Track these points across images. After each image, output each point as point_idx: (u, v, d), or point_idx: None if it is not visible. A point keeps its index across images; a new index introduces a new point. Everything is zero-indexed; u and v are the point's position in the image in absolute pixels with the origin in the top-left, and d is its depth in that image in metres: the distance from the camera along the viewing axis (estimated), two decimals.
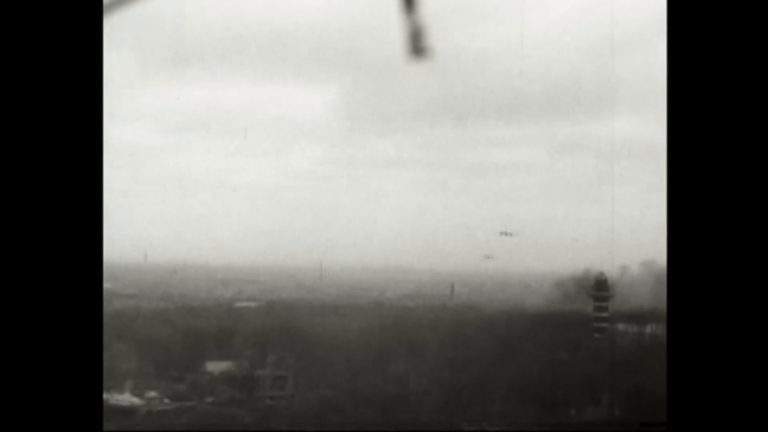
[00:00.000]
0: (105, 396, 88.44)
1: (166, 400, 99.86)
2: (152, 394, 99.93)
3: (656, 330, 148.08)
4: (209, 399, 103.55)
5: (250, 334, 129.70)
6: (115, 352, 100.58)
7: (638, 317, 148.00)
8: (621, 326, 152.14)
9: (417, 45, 11.92)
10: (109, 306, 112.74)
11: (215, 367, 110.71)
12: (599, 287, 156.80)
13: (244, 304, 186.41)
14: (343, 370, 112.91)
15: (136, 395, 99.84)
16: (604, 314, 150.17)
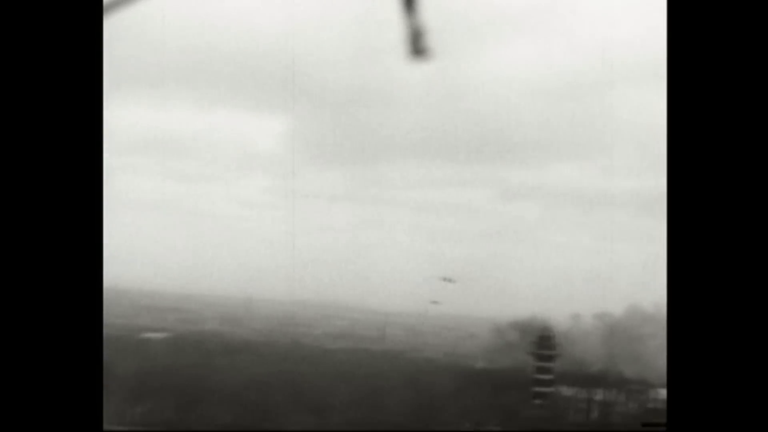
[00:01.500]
0: None
1: None
2: None
3: (607, 396, 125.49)
4: None
5: (135, 374, 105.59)
6: None
7: (587, 380, 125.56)
8: (566, 391, 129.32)
9: (417, 46, 12.08)
10: None
11: None
12: (543, 344, 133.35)
13: (153, 335, 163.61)
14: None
15: None
16: (547, 377, 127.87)
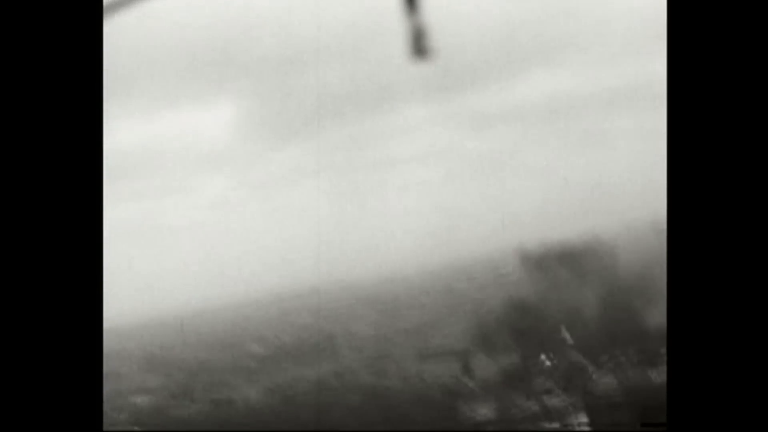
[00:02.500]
0: None
1: None
2: None
3: None
4: None
5: None
6: None
7: None
8: None
9: (419, 46, 12.22)
10: None
11: None
12: None
13: None
14: None
15: None
16: None
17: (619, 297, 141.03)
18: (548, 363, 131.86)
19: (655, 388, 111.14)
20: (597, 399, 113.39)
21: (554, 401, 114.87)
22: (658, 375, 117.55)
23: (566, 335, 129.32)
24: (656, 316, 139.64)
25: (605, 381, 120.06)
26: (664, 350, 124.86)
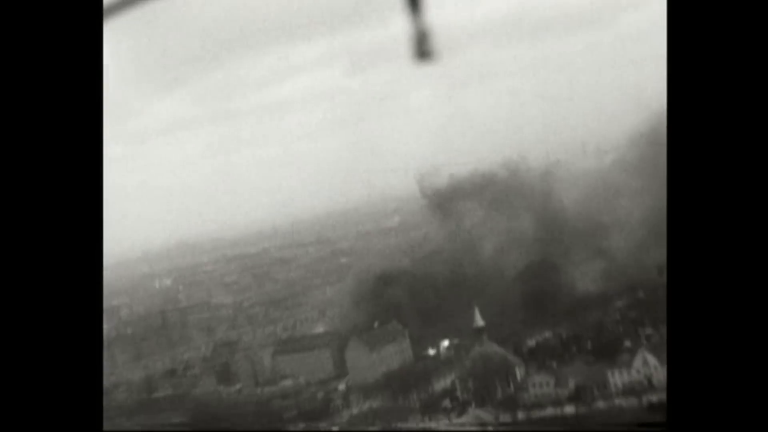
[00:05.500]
0: None
1: None
2: None
3: None
4: None
5: None
6: None
7: None
8: None
9: (423, 48, 11.96)
10: None
11: None
12: None
13: None
14: None
15: None
16: None
17: (551, 246, 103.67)
18: (452, 356, 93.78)
19: (616, 395, 74.39)
20: (533, 420, 75.23)
21: (469, 421, 76.58)
22: (619, 376, 79.75)
23: (477, 316, 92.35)
24: (601, 275, 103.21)
25: (539, 386, 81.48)
26: (626, 342, 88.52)
